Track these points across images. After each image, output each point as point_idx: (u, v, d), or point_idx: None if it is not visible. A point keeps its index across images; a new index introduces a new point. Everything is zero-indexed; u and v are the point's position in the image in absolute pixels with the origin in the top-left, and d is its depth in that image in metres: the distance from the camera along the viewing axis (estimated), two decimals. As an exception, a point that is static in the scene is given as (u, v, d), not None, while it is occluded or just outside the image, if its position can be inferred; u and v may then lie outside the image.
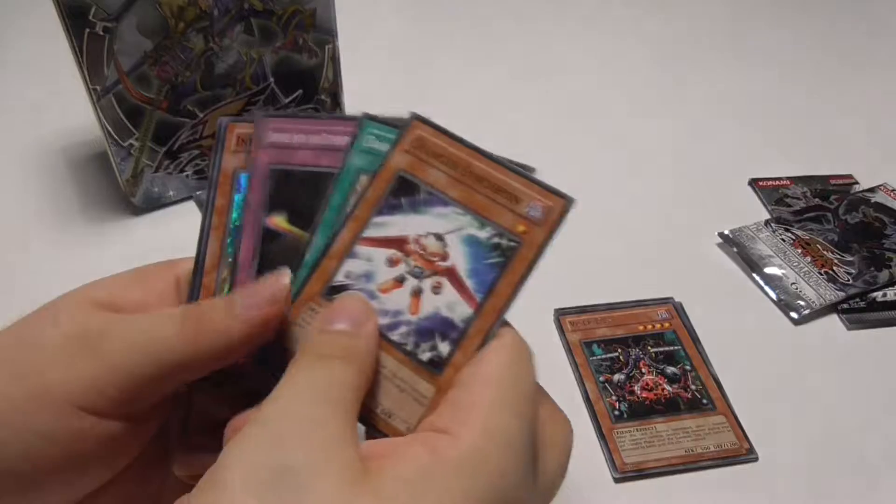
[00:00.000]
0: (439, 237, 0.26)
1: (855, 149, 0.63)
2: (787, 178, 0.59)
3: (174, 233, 0.52)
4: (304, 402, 0.21)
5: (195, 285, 0.28)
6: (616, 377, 0.43)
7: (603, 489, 0.39)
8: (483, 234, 0.25)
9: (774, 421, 0.42)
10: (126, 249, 0.50)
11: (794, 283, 0.49)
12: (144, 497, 0.27)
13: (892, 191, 0.58)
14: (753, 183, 0.59)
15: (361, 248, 0.26)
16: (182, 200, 0.54)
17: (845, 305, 0.48)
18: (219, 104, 0.51)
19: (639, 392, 0.43)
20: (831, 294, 0.48)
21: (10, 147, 0.59)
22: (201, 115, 0.51)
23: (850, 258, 0.52)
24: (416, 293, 0.25)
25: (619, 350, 0.45)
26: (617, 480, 0.39)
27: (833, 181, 0.59)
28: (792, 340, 0.47)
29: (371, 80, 0.64)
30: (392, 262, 0.26)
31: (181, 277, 0.28)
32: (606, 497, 0.39)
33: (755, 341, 0.46)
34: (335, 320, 0.24)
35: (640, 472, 0.39)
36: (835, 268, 0.51)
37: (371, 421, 0.25)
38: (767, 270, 0.50)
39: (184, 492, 0.27)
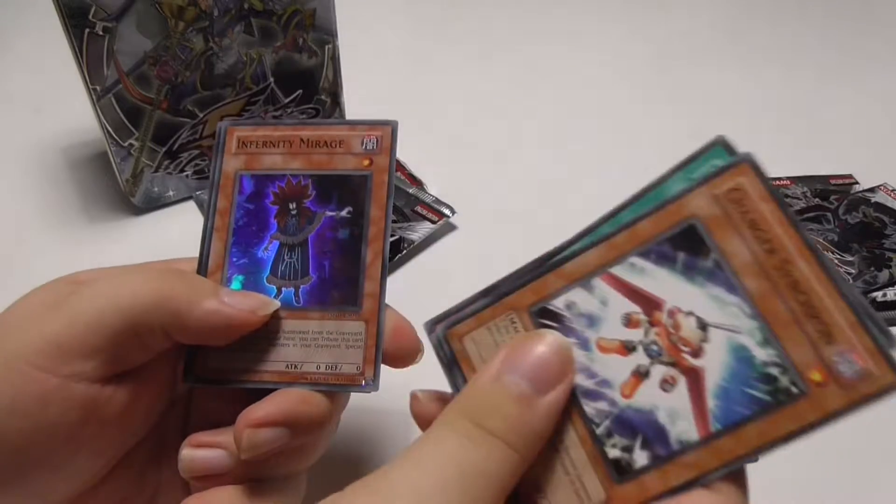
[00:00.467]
0: (702, 325, 0.19)
1: (855, 149, 0.63)
2: (787, 178, 0.59)
3: (174, 233, 0.52)
4: (439, 487, 0.18)
5: None
6: (616, 377, 0.43)
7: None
8: (761, 353, 0.19)
9: (774, 421, 0.42)
10: (126, 249, 0.50)
11: (794, 283, 0.49)
12: (140, 500, 0.27)
13: (892, 191, 0.58)
14: (753, 183, 0.59)
15: (601, 284, 0.21)
16: (182, 200, 0.54)
17: (845, 305, 0.48)
18: (219, 104, 0.51)
19: (639, 392, 0.42)
20: (831, 294, 0.48)
21: (10, 147, 0.59)
22: (201, 115, 0.51)
23: (850, 258, 0.51)
24: (640, 374, 0.20)
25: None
26: (617, 480, 0.39)
27: (833, 181, 0.59)
28: (792, 340, 0.47)
29: (371, 80, 0.64)
30: (629, 322, 0.20)
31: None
32: (606, 497, 0.38)
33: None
34: (517, 368, 0.19)
35: (640, 472, 0.39)
36: (835, 268, 0.51)
37: (518, 490, 0.20)
38: (767, 270, 0.50)
39: (179, 495, 0.27)
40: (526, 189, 0.56)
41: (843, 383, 0.18)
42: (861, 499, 0.39)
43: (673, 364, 0.20)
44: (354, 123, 0.29)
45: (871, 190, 0.58)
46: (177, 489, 0.27)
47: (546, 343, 0.20)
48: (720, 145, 0.21)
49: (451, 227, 0.52)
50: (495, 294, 0.22)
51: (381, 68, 0.70)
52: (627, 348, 0.20)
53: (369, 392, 0.27)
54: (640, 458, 0.19)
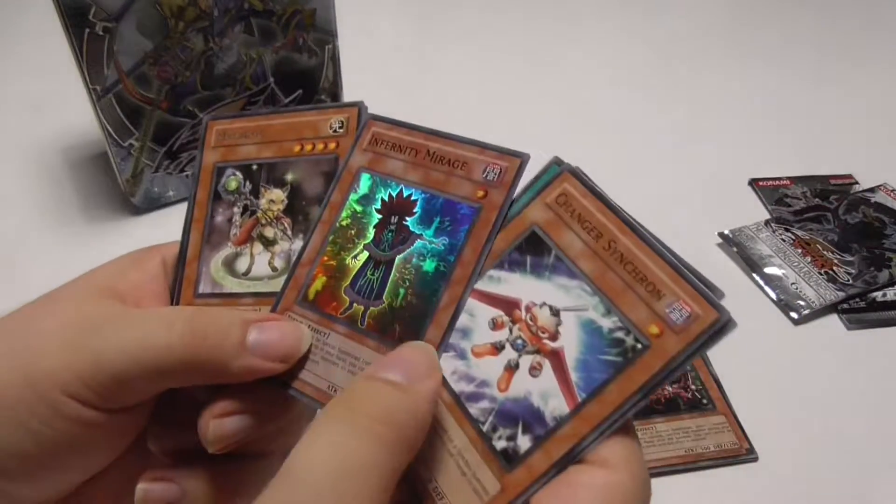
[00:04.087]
0: (555, 311, 0.22)
1: (855, 149, 0.63)
2: (787, 178, 0.59)
3: (174, 233, 0.51)
4: (327, 477, 0.18)
5: (178, 276, 0.29)
6: (616, 377, 0.43)
7: (603, 489, 0.39)
8: (606, 322, 0.21)
9: (774, 421, 0.42)
10: (126, 249, 0.50)
11: (794, 283, 0.49)
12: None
13: (892, 191, 0.58)
14: (753, 183, 0.59)
15: (468, 299, 0.23)
16: (182, 200, 0.54)
17: (845, 305, 0.48)
18: (219, 104, 0.51)
19: (639, 392, 0.43)
20: (831, 294, 0.48)
21: (10, 147, 0.59)
22: (201, 115, 0.51)
23: (850, 258, 0.51)
24: (511, 368, 0.22)
25: (619, 350, 0.45)
26: (617, 480, 0.39)
27: (833, 181, 0.59)
28: (792, 340, 0.47)
29: (371, 80, 0.64)
30: (495, 325, 0.23)
31: (166, 260, 0.29)
32: (606, 497, 0.39)
33: (755, 341, 0.46)
34: (389, 368, 0.21)
35: (640, 472, 0.39)
36: (835, 268, 0.50)
37: (420, 493, 0.22)
38: (767, 270, 0.50)
39: None
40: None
41: (677, 329, 0.20)
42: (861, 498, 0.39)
43: (537, 351, 0.22)
44: (485, 147, 0.27)
45: (871, 190, 0.58)
46: None
47: (408, 347, 0.22)
48: (555, 164, 0.24)
49: (451, 227, 0.52)
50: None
51: (381, 68, 0.70)
52: (497, 348, 0.22)
53: None
54: (524, 442, 0.21)
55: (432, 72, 0.71)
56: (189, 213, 0.29)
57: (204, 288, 0.28)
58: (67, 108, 0.59)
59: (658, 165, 0.60)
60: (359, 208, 0.27)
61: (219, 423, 0.24)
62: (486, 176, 0.26)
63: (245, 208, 0.29)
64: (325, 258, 0.27)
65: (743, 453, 0.40)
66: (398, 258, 0.26)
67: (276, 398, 0.25)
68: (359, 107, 0.29)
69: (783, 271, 0.50)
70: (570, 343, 0.21)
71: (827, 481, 0.39)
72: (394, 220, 0.27)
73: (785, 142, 0.64)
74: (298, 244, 0.28)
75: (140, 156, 0.51)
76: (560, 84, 0.70)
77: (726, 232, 0.53)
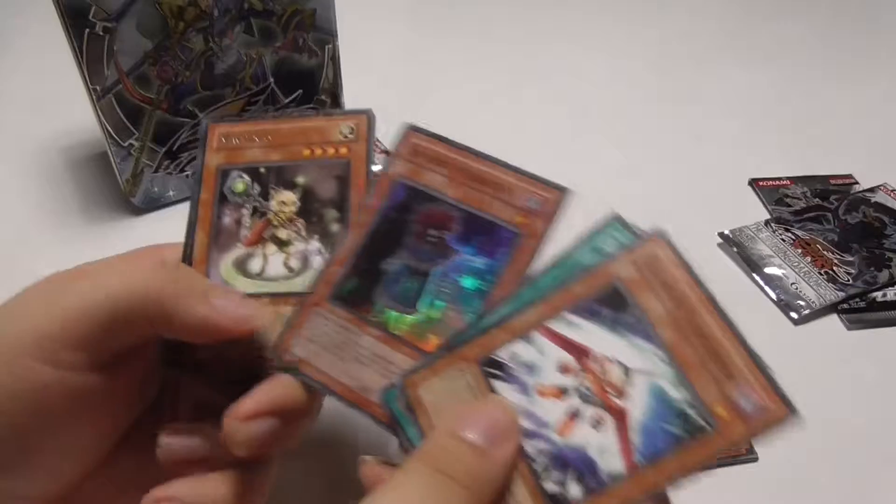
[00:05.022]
0: (627, 370, 0.22)
1: (855, 149, 0.63)
2: (787, 178, 0.59)
3: (174, 233, 0.51)
4: None
5: None
6: (616, 377, 0.43)
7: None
8: (676, 394, 0.22)
9: (774, 421, 0.42)
10: (126, 249, 0.50)
11: (794, 283, 0.49)
12: (140, 486, 0.28)
13: (892, 191, 0.58)
14: (753, 183, 0.59)
15: (539, 337, 0.23)
16: (182, 200, 0.54)
17: (845, 305, 0.48)
18: (219, 104, 0.51)
19: (639, 392, 0.42)
20: (831, 294, 0.48)
21: (10, 147, 0.59)
22: (201, 115, 0.51)
23: (850, 258, 0.51)
24: (574, 415, 0.22)
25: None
26: (617, 480, 0.39)
27: (833, 181, 0.59)
28: (792, 340, 0.47)
29: (371, 81, 0.64)
30: (563, 369, 0.23)
31: (168, 262, 0.29)
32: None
33: (755, 341, 0.46)
34: (471, 426, 0.21)
35: (640, 472, 0.39)
36: (835, 268, 0.50)
37: None
38: (767, 270, 0.50)
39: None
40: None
41: (745, 417, 0.21)
42: (862, 499, 0.39)
43: (602, 405, 0.22)
44: (529, 177, 0.28)
45: (871, 190, 0.58)
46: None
47: (492, 404, 0.22)
48: (616, 220, 0.25)
49: (451, 227, 0.52)
50: (447, 347, 0.24)
51: (382, 68, 0.70)
52: (562, 392, 0.23)
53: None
54: (574, 490, 0.21)
55: (432, 72, 0.71)
56: (193, 213, 0.29)
57: None
58: (67, 108, 0.59)
59: (658, 165, 0.60)
60: (395, 216, 0.27)
61: (246, 426, 0.24)
62: (528, 203, 0.27)
63: (255, 210, 0.29)
64: (359, 261, 0.27)
65: (743, 453, 0.40)
66: (435, 271, 0.26)
67: (299, 395, 0.25)
68: (367, 114, 0.29)
69: (783, 271, 0.50)
70: (637, 405, 0.22)
71: (827, 481, 0.39)
72: (432, 232, 0.27)
73: (785, 142, 0.64)
74: (315, 244, 0.28)
75: (140, 156, 0.51)
76: (559, 82, 0.70)
77: (726, 232, 0.53)
